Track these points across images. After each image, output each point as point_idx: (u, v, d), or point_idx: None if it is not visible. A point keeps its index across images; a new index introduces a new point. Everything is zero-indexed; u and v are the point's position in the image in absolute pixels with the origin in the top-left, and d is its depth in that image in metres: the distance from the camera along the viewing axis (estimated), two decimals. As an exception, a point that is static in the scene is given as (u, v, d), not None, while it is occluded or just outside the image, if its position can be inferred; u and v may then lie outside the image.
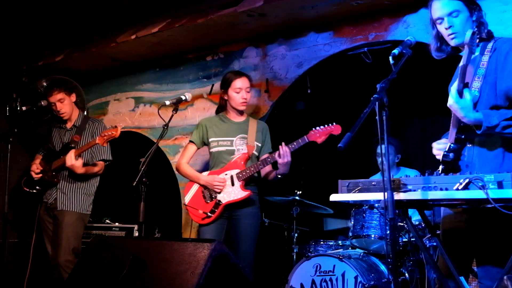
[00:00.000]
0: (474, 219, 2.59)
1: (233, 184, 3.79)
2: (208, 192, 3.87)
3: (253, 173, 3.76)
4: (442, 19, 2.63)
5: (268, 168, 3.86)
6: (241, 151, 3.86)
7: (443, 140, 2.69)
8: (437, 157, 2.61)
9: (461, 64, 2.52)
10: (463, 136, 2.57)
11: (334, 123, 3.71)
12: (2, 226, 4.32)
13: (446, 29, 2.63)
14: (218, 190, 3.82)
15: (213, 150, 3.96)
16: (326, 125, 3.73)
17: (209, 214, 3.81)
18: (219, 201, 3.81)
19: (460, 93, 2.46)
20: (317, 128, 3.72)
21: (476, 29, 2.57)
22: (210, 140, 3.98)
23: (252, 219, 3.80)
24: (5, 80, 5.59)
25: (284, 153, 3.63)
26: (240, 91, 3.90)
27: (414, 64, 2.84)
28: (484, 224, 2.54)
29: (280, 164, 3.71)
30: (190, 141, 4.09)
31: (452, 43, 2.65)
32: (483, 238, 2.56)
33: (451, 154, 2.54)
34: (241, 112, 4.00)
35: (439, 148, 2.63)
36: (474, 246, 2.61)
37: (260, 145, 3.94)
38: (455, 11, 2.60)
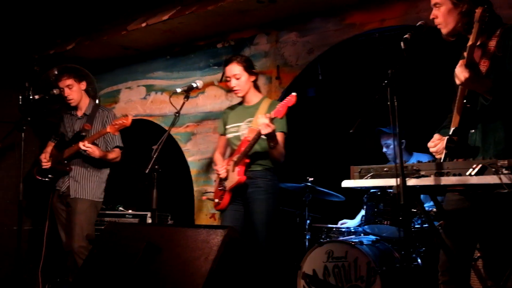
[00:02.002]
0: (477, 206, 2.59)
1: (233, 170, 3.81)
2: (220, 179, 3.90)
3: (244, 155, 3.73)
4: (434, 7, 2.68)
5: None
6: (244, 136, 3.85)
7: (436, 137, 2.70)
8: (431, 150, 2.64)
9: (469, 43, 2.50)
10: (467, 121, 2.56)
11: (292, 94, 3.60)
12: (18, 213, 4.36)
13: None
14: (222, 177, 3.84)
15: (227, 137, 3.99)
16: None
17: (217, 201, 3.86)
18: (224, 187, 3.84)
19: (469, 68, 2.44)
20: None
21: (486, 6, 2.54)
22: (225, 127, 4.01)
23: (260, 204, 3.74)
24: (18, 69, 5.63)
25: (262, 124, 3.58)
26: (230, 79, 3.89)
27: (427, 48, 2.83)
28: (489, 210, 2.53)
29: (265, 136, 3.65)
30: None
31: (442, 32, 2.67)
32: (487, 223, 2.56)
33: (455, 138, 2.54)
34: (253, 96, 3.98)
35: (432, 145, 2.66)
36: (478, 230, 2.61)
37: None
38: (437, 3, 2.66)
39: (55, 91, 4.60)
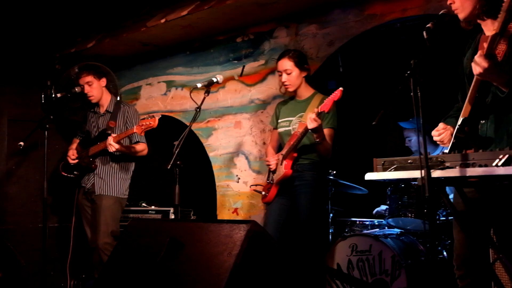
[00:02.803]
0: (487, 197, 2.56)
1: (282, 163, 3.82)
2: (269, 172, 3.95)
3: (292, 149, 3.75)
4: None
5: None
6: (295, 130, 3.86)
7: (441, 125, 2.68)
8: (435, 139, 2.62)
9: (493, 32, 2.45)
10: (478, 112, 2.52)
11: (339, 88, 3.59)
12: (43, 211, 4.42)
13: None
14: (272, 169, 3.89)
15: (278, 131, 4.03)
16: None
17: (264, 193, 3.92)
18: (272, 180, 3.88)
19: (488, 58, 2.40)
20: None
21: None
22: (278, 121, 4.04)
23: (305, 198, 3.76)
24: (39, 68, 5.69)
25: (309, 119, 3.58)
26: (281, 74, 3.91)
27: (450, 38, 2.79)
28: (500, 200, 2.50)
29: (311, 131, 3.65)
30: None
31: (459, 17, 2.62)
32: (500, 214, 2.52)
33: (466, 129, 2.50)
34: (305, 90, 3.96)
35: (436, 134, 2.63)
36: (490, 221, 2.58)
37: None
38: None
39: (76, 89, 4.65)
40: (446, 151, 2.54)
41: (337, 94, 3.52)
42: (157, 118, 4.11)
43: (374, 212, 4.89)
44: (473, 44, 2.70)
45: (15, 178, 5.48)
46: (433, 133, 2.68)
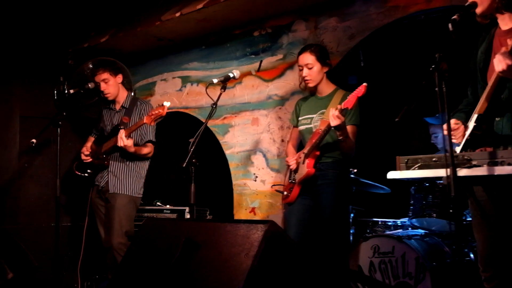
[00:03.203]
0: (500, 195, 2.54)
1: (304, 162, 3.81)
2: (291, 172, 3.94)
3: (314, 147, 3.74)
4: None
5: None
6: (317, 128, 3.84)
7: (452, 121, 2.64)
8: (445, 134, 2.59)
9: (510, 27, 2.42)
10: (493, 109, 2.49)
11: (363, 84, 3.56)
12: (55, 209, 4.46)
13: None
14: (292, 169, 3.88)
15: (299, 129, 4.02)
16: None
17: (286, 193, 3.91)
18: (294, 179, 3.86)
19: None
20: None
21: None
22: (298, 119, 4.04)
23: (329, 198, 3.75)
24: (52, 63, 5.73)
25: (331, 116, 3.56)
26: (301, 69, 3.90)
27: (477, 30, 2.76)
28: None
29: (334, 128, 3.62)
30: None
31: (477, 11, 2.58)
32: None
33: (483, 126, 2.47)
34: (326, 87, 3.96)
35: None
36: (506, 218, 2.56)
37: None
38: None
39: (90, 85, 4.67)
40: (458, 148, 2.52)
41: (361, 89, 3.49)
42: (166, 106, 4.10)
43: None
44: (487, 37, 2.67)
45: (27, 176, 5.53)
46: (444, 126, 2.64)
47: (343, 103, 3.51)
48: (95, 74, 4.65)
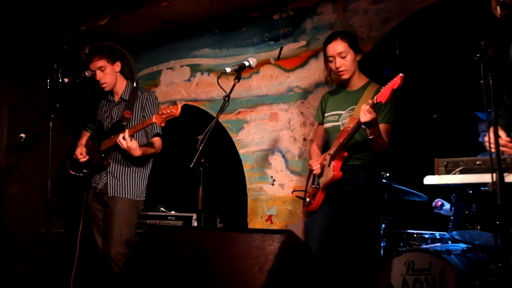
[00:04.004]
0: None
1: (329, 164, 3.80)
2: (314, 175, 3.93)
3: (342, 148, 3.71)
4: None
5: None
6: (345, 126, 3.82)
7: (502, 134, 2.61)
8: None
9: None
10: None
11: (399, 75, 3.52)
12: (46, 214, 4.49)
13: None
14: (316, 173, 3.87)
15: (325, 127, 4.00)
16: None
17: (308, 200, 3.91)
18: (318, 184, 3.85)
19: None
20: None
21: None
22: (324, 115, 4.03)
23: (358, 205, 3.73)
24: (45, 48, 5.77)
25: (362, 111, 3.53)
26: (333, 60, 3.87)
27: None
28: None
29: (364, 125, 3.59)
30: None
31: None
32: None
33: None
34: (358, 79, 3.94)
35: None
36: None
37: None
38: None
39: (87, 73, 4.68)
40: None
41: (396, 81, 3.44)
42: (179, 106, 4.08)
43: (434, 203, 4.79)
44: None
45: (15, 176, 5.59)
46: (486, 138, 2.61)
47: (375, 97, 3.47)
48: (91, 61, 4.65)
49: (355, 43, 3.89)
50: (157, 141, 4.59)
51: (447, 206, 4.78)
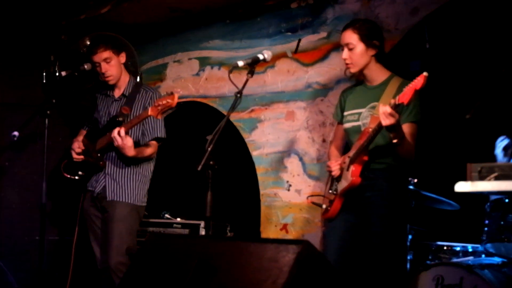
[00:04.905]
0: None
1: (348, 168, 3.79)
2: (332, 180, 3.94)
3: (362, 151, 3.70)
4: None
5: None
6: (366, 126, 3.81)
7: None
8: None
9: None
10: None
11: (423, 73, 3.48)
12: (40, 220, 4.50)
13: None
14: (334, 176, 3.87)
15: (344, 127, 4.00)
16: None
17: (325, 206, 3.92)
18: (336, 190, 3.86)
19: None
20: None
21: None
22: (343, 114, 4.02)
23: (380, 213, 3.71)
24: (41, 39, 5.79)
25: (382, 114, 3.51)
26: (343, 49, 3.89)
27: None
28: None
29: (386, 129, 3.58)
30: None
31: None
32: None
33: None
34: (378, 73, 3.92)
35: None
36: None
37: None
38: None
39: (86, 66, 4.70)
40: None
41: (419, 81, 3.41)
42: (176, 95, 4.09)
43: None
44: None
45: (7, 178, 5.61)
46: None
47: (397, 97, 3.45)
48: (95, 52, 4.65)
49: (370, 35, 3.85)
50: (153, 145, 4.61)
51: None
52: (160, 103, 4.11)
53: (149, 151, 4.58)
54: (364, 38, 3.83)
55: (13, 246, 5.50)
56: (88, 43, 4.98)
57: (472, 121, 2.21)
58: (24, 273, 5.19)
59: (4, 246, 5.46)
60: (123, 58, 4.74)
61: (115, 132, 4.31)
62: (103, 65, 4.61)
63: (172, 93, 4.10)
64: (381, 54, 3.92)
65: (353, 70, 3.89)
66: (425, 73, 3.38)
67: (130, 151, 4.38)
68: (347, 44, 3.84)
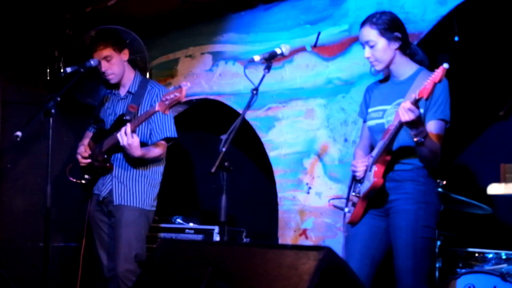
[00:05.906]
0: None
1: (371, 169, 3.77)
2: (355, 181, 3.93)
3: (384, 150, 3.69)
4: None
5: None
6: (390, 124, 3.78)
7: None
8: None
9: None
10: None
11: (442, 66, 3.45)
12: (45, 225, 4.53)
13: None
14: (358, 176, 3.85)
15: (368, 124, 3.99)
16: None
17: (347, 210, 3.91)
18: (359, 192, 3.84)
19: None
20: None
21: None
22: (368, 111, 4.01)
23: (407, 218, 3.68)
24: (44, 33, 5.82)
25: (402, 109, 3.48)
26: (364, 48, 3.87)
27: None
28: None
29: (405, 125, 3.55)
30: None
31: None
32: None
33: None
34: (405, 67, 3.90)
35: None
36: None
37: (421, 110, 3.64)
38: None
39: (92, 62, 4.71)
40: None
41: (438, 73, 3.37)
42: (184, 88, 4.09)
43: None
44: None
45: (10, 181, 5.64)
46: None
47: (418, 91, 3.43)
48: (95, 49, 4.66)
49: (390, 28, 3.83)
50: (162, 145, 4.62)
51: None
52: (168, 97, 4.11)
53: (157, 151, 4.59)
54: (384, 32, 3.81)
55: (16, 253, 5.53)
56: (93, 35, 4.97)
57: (506, 118, 2.20)
58: (27, 282, 5.22)
59: (6, 253, 5.49)
60: (125, 55, 4.74)
61: (122, 131, 4.34)
62: (104, 63, 4.63)
63: (180, 87, 4.10)
64: (406, 46, 3.90)
65: (379, 67, 3.87)
66: (445, 65, 3.35)
67: (137, 151, 4.40)
68: (367, 42, 3.83)
